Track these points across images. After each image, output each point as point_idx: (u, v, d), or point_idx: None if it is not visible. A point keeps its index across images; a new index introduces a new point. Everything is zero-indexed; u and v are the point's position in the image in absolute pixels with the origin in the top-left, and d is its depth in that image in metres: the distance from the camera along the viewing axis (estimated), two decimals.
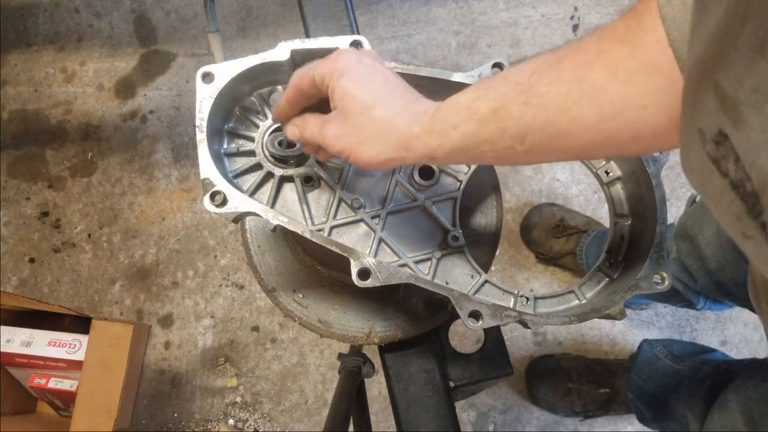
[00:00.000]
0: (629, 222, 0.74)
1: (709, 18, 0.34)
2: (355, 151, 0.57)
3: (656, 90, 0.44)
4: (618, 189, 0.75)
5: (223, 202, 0.61)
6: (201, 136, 0.63)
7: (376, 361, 0.86)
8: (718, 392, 0.96)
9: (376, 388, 1.57)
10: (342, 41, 0.66)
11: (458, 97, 0.54)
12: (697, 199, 1.09)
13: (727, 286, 1.04)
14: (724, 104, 0.32)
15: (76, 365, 1.42)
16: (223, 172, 0.64)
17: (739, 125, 0.31)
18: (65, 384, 1.46)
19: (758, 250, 0.33)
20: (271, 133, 0.70)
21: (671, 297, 1.25)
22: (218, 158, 0.67)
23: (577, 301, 0.70)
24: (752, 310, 1.09)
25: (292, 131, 0.65)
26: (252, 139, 0.70)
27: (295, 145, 0.68)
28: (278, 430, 1.58)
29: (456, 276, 0.70)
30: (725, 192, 0.33)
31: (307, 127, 0.62)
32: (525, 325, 0.64)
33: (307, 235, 0.62)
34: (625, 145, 0.48)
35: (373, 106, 0.56)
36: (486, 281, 0.70)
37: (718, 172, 0.33)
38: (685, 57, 0.42)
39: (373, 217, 0.70)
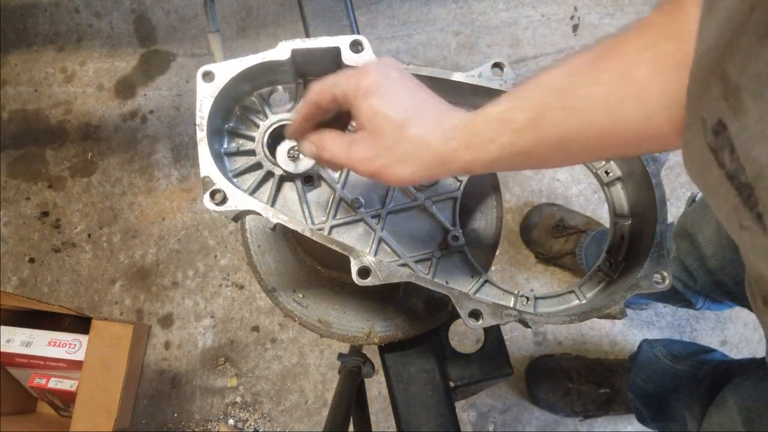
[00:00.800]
0: (629, 222, 0.74)
1: (720, 6, 0.34)
2: (388, 172, 0.55)
3: None
4: (618, 189, 0.75)
5: (223, 200, 0.61)
6: (201, 135, 0.63)
7: (376, 361, 0.86)
8: (716, 392, 0.96)
9: (376, 388, 1.57)
10: (342, 41, 0.66)
11: (492, 108, 0.53)
12: (697, 198, 1.09)
13: (726, 285, 1.04)
14: (726, 90, 0.32)
15: (76, 365, 1.42)
16: (223, 172, 0.64)
17: (738, 113, 0.31)
18: (65, 384, 1.46)
19: (754, 240, 0.33)
20: (271, 132, 0.70)
21: (670, 297, 1.25)
22: (218, 157, 0.67)
23: (578, 301, 0.70)
24: (751, 309, 1.09)
25: (309, 149, 0.63)
26: (252, 139, 0.70)
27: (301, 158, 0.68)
28: (278, 430, 1.58)
29: (456, 275, 0.70)
30: (722, 183, 0.33)
31: (328, 148, 0.60)
32: (525, 324, 0.64)
33: (307, 234, 0.62)
34: (668, 138, 0.47)
35: (406, 125, 0.54)
36: (486, 281, 0.70)
37: (716, 162, 0.34)
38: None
39: (373, 217, 0.70)
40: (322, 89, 0.59)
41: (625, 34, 0.47)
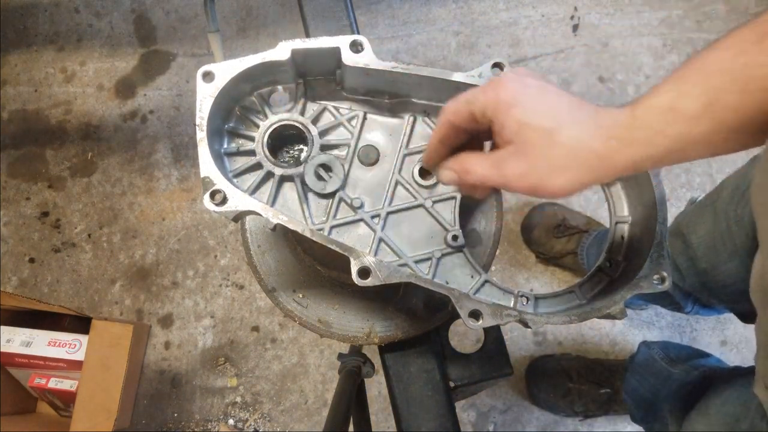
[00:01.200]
0: (629, 222, 0.74)
1: None
2: (545, 184, 0.52)
3: None
4: (618, 189, 0.75)
5: (223, 200, 0.61)
6: (201, 135, 0.63)
7: (376, 361, 0.86)
8: (699, 397, 0.96)
9: (376, 388, 1.57)
10: (342, 41, 0.66)
11: (654, 99, 0.50)
12: (698, 200, 1.09)
13: (713, 288, 1.04)
14: None
15: (76, 365, 1.42)
16: (223, 172, 0.64)
17: None
18: (65, 384, 1.46)
19: None
20: (271, 133, 0.70)
21: (661, 298, 1.25)
22: (218, 158, 0.67)
23: (578, 301, 0.70)
24: (738, 314, 1.09)
25: (449, 176, 0.60)
26: (252, 139, 0.70)
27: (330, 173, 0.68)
28: (278, 430, 1.58)
29: (456, 276, 0.70)
30: None
31: (473, 170, 0.57)
32: (525, 324, 0.64)
33: (307, 234, 0.62)
34: None
35: (558, 130, 0.51)
36: (486, 281, 0.70)
37: None
38: None
39: (373, 217, 0.70)
40: (458, 108, 0.56)
41: None
